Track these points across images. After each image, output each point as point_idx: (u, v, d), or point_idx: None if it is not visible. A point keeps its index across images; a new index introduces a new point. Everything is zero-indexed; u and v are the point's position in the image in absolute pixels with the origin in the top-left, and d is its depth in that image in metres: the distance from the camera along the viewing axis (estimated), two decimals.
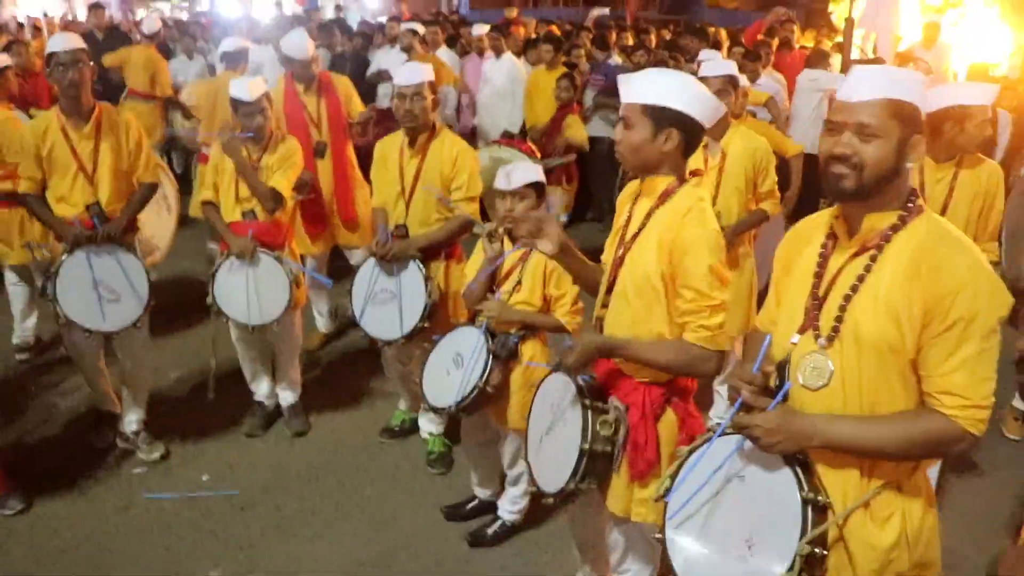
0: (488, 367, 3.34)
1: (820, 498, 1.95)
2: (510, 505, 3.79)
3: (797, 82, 7.81)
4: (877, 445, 1.91)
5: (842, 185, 1.91)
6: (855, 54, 9.02)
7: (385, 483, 4.20)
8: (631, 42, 10.34)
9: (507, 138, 7.32)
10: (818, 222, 2.14)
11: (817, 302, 2.02)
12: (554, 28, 11.12)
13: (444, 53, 8.97)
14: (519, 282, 3.44)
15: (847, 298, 1.95)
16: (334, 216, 5.34)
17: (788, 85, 7.88)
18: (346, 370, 5.37)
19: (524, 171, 3.50)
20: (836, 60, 8.51)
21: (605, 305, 2.63)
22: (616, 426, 2.57)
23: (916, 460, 1.99)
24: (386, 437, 4.56)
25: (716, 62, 4.42)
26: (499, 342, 3.41)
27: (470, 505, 3.94)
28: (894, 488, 1.99)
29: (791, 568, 1.89)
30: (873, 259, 1.93)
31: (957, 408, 1.84)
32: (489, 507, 3.89)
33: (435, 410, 3.52)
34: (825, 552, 1.93)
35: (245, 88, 4.13)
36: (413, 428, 4.57)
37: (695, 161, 4.15)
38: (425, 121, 3.99)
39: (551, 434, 2.74)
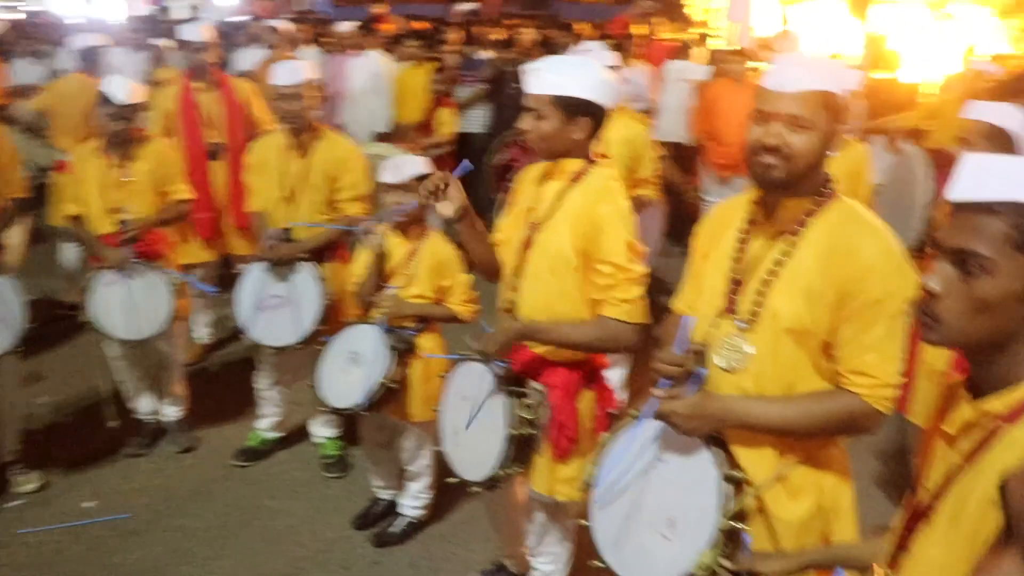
0: (390, 363, 3.33)
1: (737, 474, 1.99)
2: (412, 501, 3.78)
3: (663, 74, 8.02)
4: (790, 424, 1.97)
5: (771, 175, 1.92)
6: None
7: (283, 494, 4.09)
8: (496, 37, 10.38)
9: (380, 137, 7.27)
10: (736, 206, 2.17)
11: (736, 285, 2.06)
12: (420, 24, 11.06)
13: (309, 51, 8.78)
14: (411, 276, 3.44)
15: (766, 283, 1.99)
16: (226, 223, 5.14)
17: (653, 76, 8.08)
18: (229, 382, 5.16)
19: (413, 164, 3.52)
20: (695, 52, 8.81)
21: (515, 288, 2.65)
22: (537, 409, 2.60)
23: (827, 438, 2.07)
24: (240, 461, 4.31)
25: (597, 52, 4.50)
26: (397, 337, 3.40)
27: (376, 508, 3.89)
28: (808, 462, 2.06)
29: (713, 544, 1.93)
30: (791, 244, 1.98)
31: (868, 387, 1.90)
32: (395, 507, 3.85)
33: (337, 411, 3.46)
34: (744, 527, 1.97)
35: (122, 88, 3.91)
36: (270, 448, 4.41)
37: None
38: (306, 121, 3.91)
39: (472, 423, 2.73)
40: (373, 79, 8.23)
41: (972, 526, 1.25)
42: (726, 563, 1.91)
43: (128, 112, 3.94)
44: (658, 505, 2.07)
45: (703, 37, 9.79)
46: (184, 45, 5.13)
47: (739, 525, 1.95)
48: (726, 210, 2.23)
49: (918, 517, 1.38)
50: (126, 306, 3.96)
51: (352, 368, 3.43)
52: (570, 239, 2.51)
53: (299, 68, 3.95)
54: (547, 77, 2.50)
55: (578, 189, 2.55)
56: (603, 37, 9.03)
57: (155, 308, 4.00)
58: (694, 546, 1.96)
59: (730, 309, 2.06)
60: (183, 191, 4.20)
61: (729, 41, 8.64)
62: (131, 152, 4.03)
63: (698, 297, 2.20)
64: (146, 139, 4.15)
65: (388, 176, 3.47)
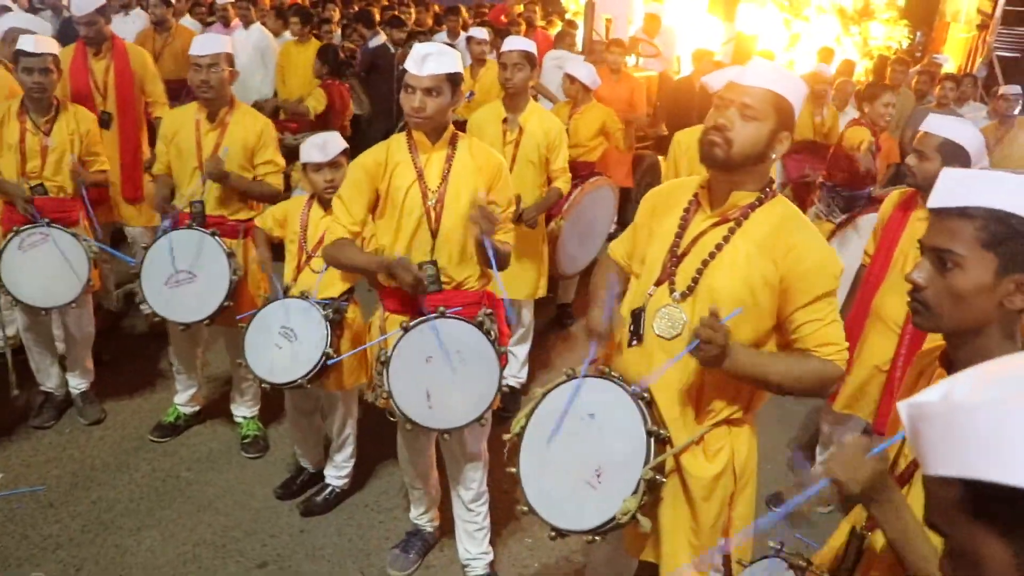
0: (328, 334, 3.40)
1: (662, 432, 2.25)
2: (336, 471, 3.87)
3: (543, 61, 8.28)
4: (776, 377, 2.19)
5: (713, 152, 2.16)
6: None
7: (201, 466, 4.09)
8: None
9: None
10: (685, 187, 2.39)
11: (675, 259, 2.29)
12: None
13: (186, 21, 8.52)
14: None
15: (705, 262, 2.23)
16: (115, 192, 4.99)
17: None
18: (134, 353, 5.07)
19: (336, 141, 3.61)
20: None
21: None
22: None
23: (801, 395, 2.35)
24: (157, 436, 4.26)
25: (514, 38, 4.66)
26: (332, 308, 3.48)
27: (300, 479, 3.96)
28: (724, 426, 2.34)
29: (635, 491, 2.17)
30: (732, 231, 2.23)
31: (834, 352, 2.19)
32: (317, 478, 3.94)
33: (274, 386, 3.49)
34: (664, 479, 2.25)
35: (31, 41, 3.79)
36: (189, 423, 4.38)
37: (495, 136, 4.45)
38: (223, 93, 3.89)
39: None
40: (256, 53, 8.08)
41: None
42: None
43: (46, 63, 3.83)
44: (586, 457, 2.29)
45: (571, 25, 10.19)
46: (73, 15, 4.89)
47: (659, 477, 2.21)
48: (675, 188, 2.45)
49: (901, 483, 1.63)
50: (40, 273, 3.85)
51: (287, 343, 3.44)
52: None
53: (218, 40, 3.92)
54: (440, 59, 2.86)
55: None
56: (482, 23, 9.25)
57: (71, 276, 3.90)
58: (620, 493, 2.19)
59: (667, 279, 2.29)
60: (103, 162, 4.10)
61: (598, 33, 8.97)
62: (51, 117, 3.91)
63: (633, 253, 2.45)
64: (64, 105, 4.03)
65: (315, 155, 3.54)
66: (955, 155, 3.21)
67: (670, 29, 9.73)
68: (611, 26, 9.82)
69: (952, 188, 1.53)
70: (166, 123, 4.05)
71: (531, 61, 4.52)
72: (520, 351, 4.93)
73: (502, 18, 10.74)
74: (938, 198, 1.55)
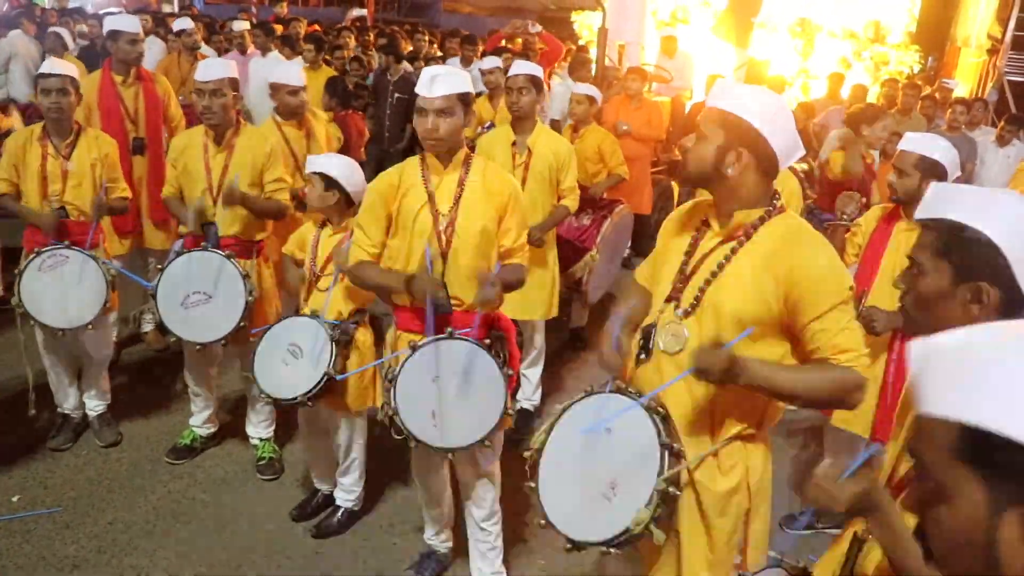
0: (334, 354, 3.43)
1: (676, 445, 2.27)
2: (346, 494, 3.88)
3: (552, 88, 8.33)
4: (789, 385, 2.19)
5: (682, 172, 2.25)
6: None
7: (217, 488, 4.11)
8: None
9: None
10: (698, 208, 2.44)
11: (684, 277, 2.33)
12: (314, 27, 11.02)
13: (204, 50, 8.64)
14: (341, 271, 3.54)
15: (708, 281, 2.26)
16: (144, 216, 5.06)
17: None
18: (149, 376, 5.12)
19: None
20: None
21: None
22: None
23: (823, 406, 2.35)
24: (173, 458, 4.28)
25: (521, 62, 4.72)
26: (340, 329, 3.51)
27: (315, 501, 3.97)
28: (738, 442, 2.34)
29: (648, 503, 2.19)
30: (734, 250, 2.25)
31: (852, 358, 2.16)
32: (332, 500, 3.94)
33: (277, 402, 3.51)
34: (678, 492, 2.25)
35: (49, 63, 3.89)
36: (205, 445, 4.40)
37: (505, 159, 4.49)
38: (227, 118, 3.96)
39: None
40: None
41: None
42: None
43: (64, 84, 3.91)
44: (603, 470, 2.31)
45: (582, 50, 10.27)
46: (115, 36, 4.98)
47: (673, 490, 2.22)
48: (691, 210, 2.49)
49: (900, 489, 1.66)
50: (59, 293, 3.90)
51: (293, 360, 3.48)
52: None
53: (222, 64, 4.00)
54: (449, 80, 2.91)
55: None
56: (495, 52, 9.33)
57: (89, 297, 3.95)
58: (634, 505, 2.21)
59: (675, 297, 2.33)
60: (124, 188, 4.19)
61: (609, 59, 9.04)
62: (72, 141, 3.99)
63: (653, 275, 2.50)
64: (85, 129, 4.10)
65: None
66: (932, 170, 3.39)
67: (686, 54, 9.80)
68: (624, 52, 9.90)
69: (928, 201, 1.66)
70: (174, 147, 4.12)
71: (537, 85, 4.60)
72: (532, 374, 4.94)
73: (504, 43, 10.79)
74: (918, 211, 1.70)
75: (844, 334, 2.16)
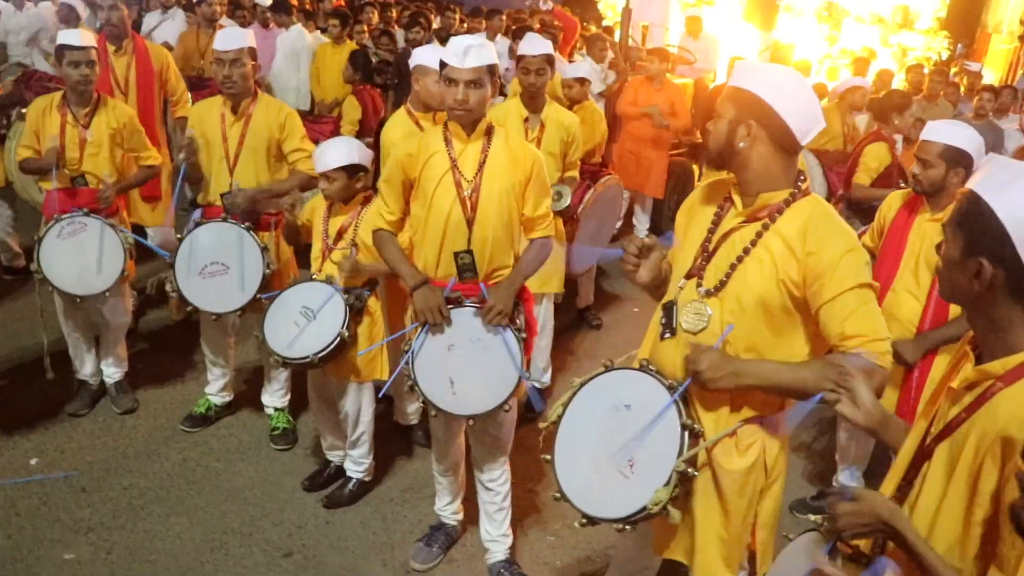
0: (347, 317, 3.46)
1: (696, 426, 2.26)
2: (356, 465, 3.90)
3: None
4: (789, 384, 2.17)
5: (704, 151, 2.24)
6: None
7: (230, 456, 4.14)
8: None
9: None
10: (720, 185, 2.40)
11: (706, 254, 2.31)
12: (340, 2, 10.98)
13: (226, 23, 8.64)
14: (354, 243, 3.58)
15: (733, 265, 2.23)
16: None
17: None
18: (166, 344, 5.16)
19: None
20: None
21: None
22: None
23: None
24: (188, 426, 4.32)
25: (533, 41, 4.69)
26: (354, 295, 3.55)
27: (327, 472, 4.00)
28: (757, 422, 2.32)
29: (667, 483, 2.19)
30: (761, 231, 2.22)
31: (861, 343, 2.10)
32: (344, 471, 3.96)
33: (286, 362, 3.51)
34: (696, 472, 2.25)
35: (76, 35, 3.89)
36: (220, 414, 4.43)
37: (517, 133, 4.49)
38: (246, 87, 3.95)
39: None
40: (294, 55, 8.18)
41: (968, 465, 1.55)
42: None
43: (91, 56, 3.93)
44: (621, 447, 2.30)
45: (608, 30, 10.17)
46: (94, 4, 4.98)
47: (691, 470, 2.22)
48: (712, 188, 2.46)
49: (924, 457, 1.66)
50: (77, 260, 3.93)
51: (304, 322, 3.50)
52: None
53: (240, 34, 3.99)
54: (480, 52, 2.90)
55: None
56: (518, 30, 9.24)
57: (107, 265, 3.97)
58: (651, 484, 2.21)
59: (696, 274, 2.31)
60: (151, 156, 4.21)
61: (633, 39, 8.95)
62: (91, 110, 4.01)
63: (673, 251, 2.47)
64: (104, 99, 4.12)
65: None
66: (958, 159, 3.29)
67: (711, 36, 9.71)
68: (648, 33, 9.81)
69: (975, 172, 1.66)
70: (192, 117, 4.11)
71: (552, 64, 4.65)
72: (541, 352, 4.92)
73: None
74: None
75: (852, 319, 2.11)
